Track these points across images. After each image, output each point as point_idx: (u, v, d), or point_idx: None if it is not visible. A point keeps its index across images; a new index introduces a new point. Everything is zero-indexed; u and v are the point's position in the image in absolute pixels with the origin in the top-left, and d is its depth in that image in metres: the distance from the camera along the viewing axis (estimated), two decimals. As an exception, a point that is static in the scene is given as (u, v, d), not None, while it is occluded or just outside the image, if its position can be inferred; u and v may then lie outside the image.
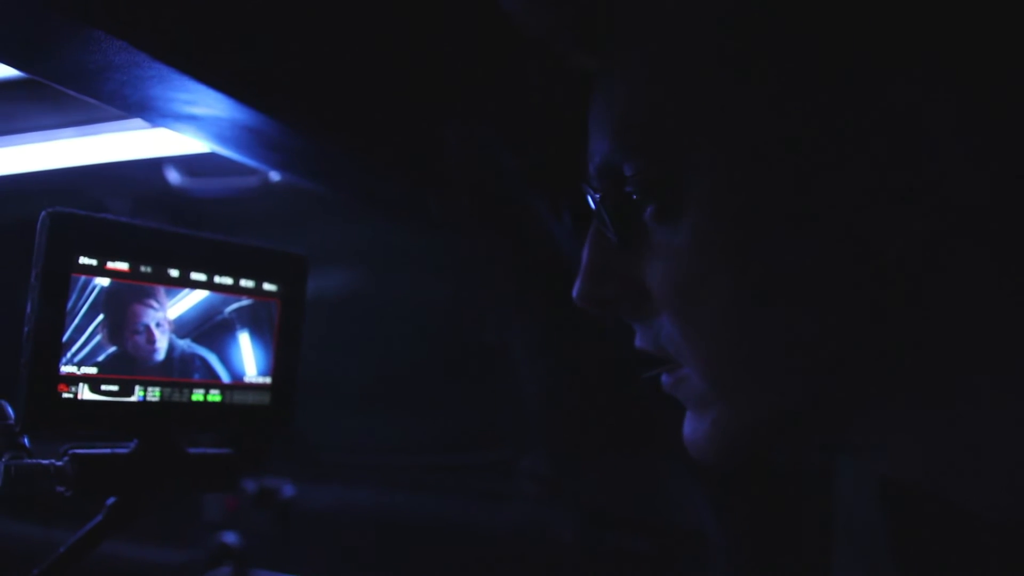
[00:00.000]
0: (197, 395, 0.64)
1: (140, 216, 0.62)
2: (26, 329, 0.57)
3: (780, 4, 0.38)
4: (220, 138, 0.73)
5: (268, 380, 0.68)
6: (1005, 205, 0.36)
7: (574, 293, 0.46)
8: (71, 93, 0.65)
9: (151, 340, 0.61)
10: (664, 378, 0.45)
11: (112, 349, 0.60)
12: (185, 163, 1.48)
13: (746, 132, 0.39)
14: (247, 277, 0.66)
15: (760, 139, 0.39)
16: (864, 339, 0.38)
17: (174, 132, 0.73)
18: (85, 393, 0.59)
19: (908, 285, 0.37)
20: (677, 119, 0.41)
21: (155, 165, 1.47)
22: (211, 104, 0.64)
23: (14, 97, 1.42)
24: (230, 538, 1.43)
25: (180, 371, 0.63)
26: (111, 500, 0.65)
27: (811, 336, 0.39)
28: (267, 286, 0.67)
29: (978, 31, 0.36)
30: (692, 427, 0.44)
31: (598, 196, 0.45)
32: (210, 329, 0.65)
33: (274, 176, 1.44)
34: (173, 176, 1.49)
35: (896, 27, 0.36)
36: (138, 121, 1.38)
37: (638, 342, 0.46)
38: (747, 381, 0.41)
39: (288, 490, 1.41)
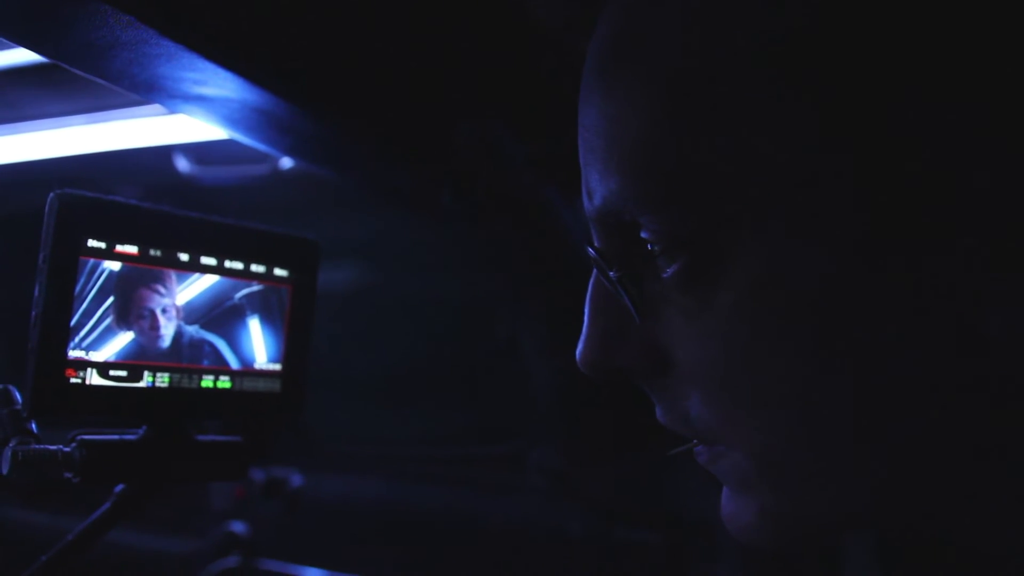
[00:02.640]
0: (206, 382, 0.63)
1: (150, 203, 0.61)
2: (34, 313, 0.56)
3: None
4: (230, 120, 0.72)
5: (278, 367, 0.67)
6: None
7: (578, 359, 0.38)
8: (79, 73, 0.64)
9: (155, 326, 0.60)
10: (698, 451, 0.38)
11: (121, 334, 0.59)
12: (195, 151, 1.47)
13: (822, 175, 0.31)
14: (258, 262, 0.65)
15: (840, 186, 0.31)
16: (965, 431, 0.32)
17: (183, 114, 0.72)
18: (93, 378, 0.58)
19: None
20: (725, 162, 0.32)
21: (165, 153, 1.47)
22: (221, 84, 0.62)
23: (24, 84, 1.41)
24: (238, 527, 1.42)
25: (189, 357, 0.62)
26: (119, 487, 0.64)
27: (894, 422, 0.32)
28: (278, 271, 0.66)
29: None
30: (735, 508, 0.37)
31: (602, 263, 0.37)
32: (220, 315, 0.64)
33: (285, 164, 1.43)
34: (183, 164, 1.48)
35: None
36: (148, 108, 1.38)
37: (660, 418, 0.39)
38: (805, 472, 0.34)
39: (296, 480, 1.41)
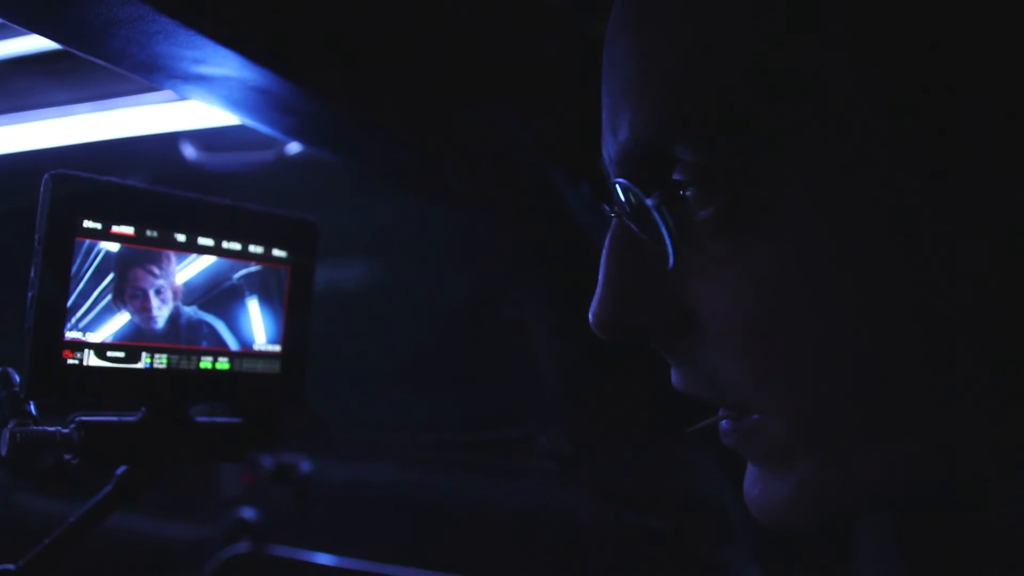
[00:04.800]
0: (205, 363, 0.63)
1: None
2: (30, 294, 0.56)
3: None
4: (231, 101, 0.72)
5: (278, 348, 0.67)
6: None
7: (591, 317, 0.35)
8: (79, 54, 0.63)
9: (147, 307, 0.60)
10: (725, 428, 0.35)
11: (118, 315, 0.59)
12: (201, 138, 1.47)
13: (885, 105, 0.29)
14: (256, 243, 0.65)
15: (907, 114, 0.28)
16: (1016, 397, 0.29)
17: (186, 95, 0.71)
18: (91, 359, 0.58)
19: None
20: (771, 81, 0.29)
21: (171, 140, 1.47)
22: (220, 63, 0.62)
23: (30, 72, 1.41)
24: (248, 513, 1.43)
25: (187, 338, 0.62)
26: (121, 470, 0.64)
27: (947, 381, 0.30)
28: (276, 252, 0.66)
29: None
30: (765, 487, 0.34)
31: (636, 189, 0.34)
32: (218, 295, 0.63)
33: (291, 150, 1.43)
34: (189, 151, 1.48)
35: None
36: (154, 96, 1.38)
37: (678, 383, 0.36)
38: (850, 437, 0.31)
39: (305, 466, 1.41)
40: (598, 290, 0.35)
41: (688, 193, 0.32)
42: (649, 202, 0.33)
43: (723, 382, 0.33)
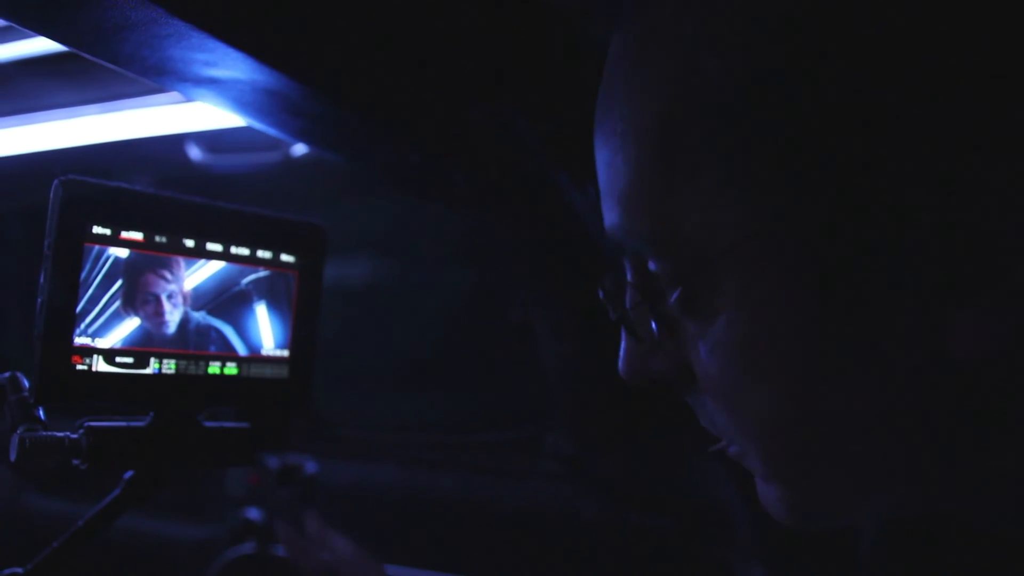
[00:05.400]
0: (213, 368, 0.63)
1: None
2: (39, 300, 0.56)
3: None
4: (241, 103, 0.72)
5: (286, 353, 0.67)
6: None
7: (620, 370, 0.43)
8: (90, 58, 0.63)
9: (159, 312, 0.60)
10: (730, 451, 0.42)
11: (127, 320, 0.59)
12: (207, 139, 1.47)
13: (797, 220, 0.33)
14: (264, 248, 0.65)
15: (810, 228, 0.33)
16: (935, 445, 0.35)
17: (195, 98, 0.72)
18: (100, 365, 0.58)
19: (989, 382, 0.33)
20: (697, 211, 0.35)
21: (177, 141, 1.47)
22: (231, 65, 0.62)
23: (37, 74, 1.42)
24: (253, 514, 1.43)
25: (196, 344, 0.62)
26: (129, 474, 0.64)
27: (870, 440, 0.35)
28: (285, 257, 0.66)
29: None
30: (763, 493, 0.41)
31: (611, 293, 0.42)
32: (226, 301, 0.63)
33: (297, 151, 1.43)
34: (195, 152, 1.48)
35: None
36: (160, 97, 1.38)
37: (700, 420, 0.43)
38: (804, 476, 0.38)
39: (311, 467, 1.41)
40: (621, 347, 0.42)
41: (659, 283, 0.38)
42: (628, 298, 0.41)
43: (717, 424, 0.40)
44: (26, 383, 0.59)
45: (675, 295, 0.37)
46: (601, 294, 0.42)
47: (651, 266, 0.38)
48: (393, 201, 1.52)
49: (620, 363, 0.42)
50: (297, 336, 0.67)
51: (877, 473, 0.36)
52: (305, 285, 0.67)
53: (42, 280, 0.56)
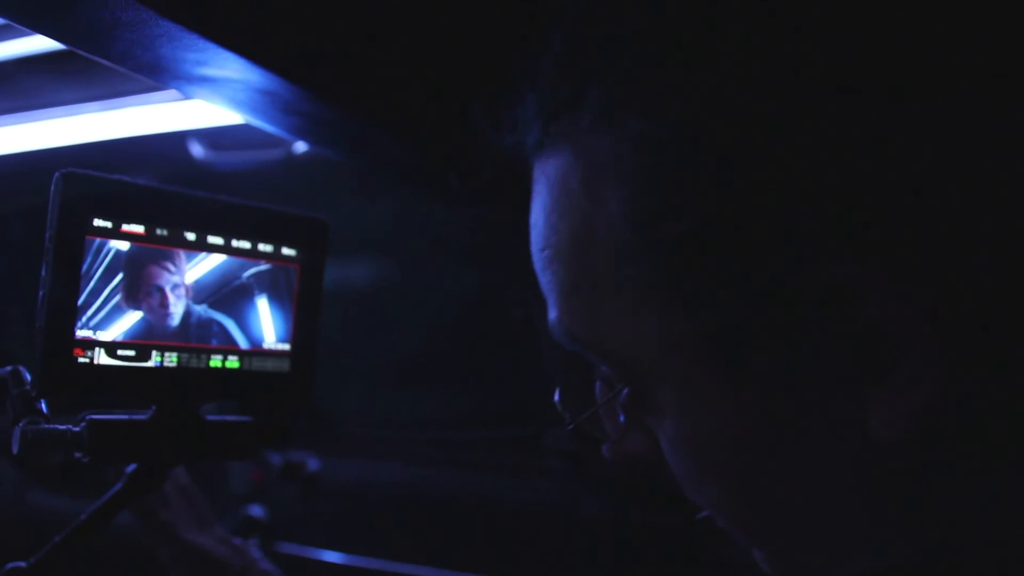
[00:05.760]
0: (215, 361, 0.63)
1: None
2: (41, 293, 0.56)
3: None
4: (236, 102, 0.72)
5: (287, 347, 0.67)
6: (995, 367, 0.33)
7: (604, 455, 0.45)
8: (86, 55, 0.63)
9: (164, 304, 0.60)
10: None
11: (129, 313, 0.59)
12: (209, 136, 1.47)
13: (697, 338, 0.36)
14: (265, 241, 0.65)
15: (714, 342, 0.36)
16: (867, 519, 0.37)
17: (191, 96, 0.72)
18: (101, 358, 0.58)
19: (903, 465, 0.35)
20: (615, 332, 0.38)
21: (179, 139, 1.47)
22: (222, 65, 0.62)
23: (38, 72, 1.42)
24: (256, 511, 1.43)
25: (197, 337, 0.62)
26: (131, 468, 0.64)
27: (810, 519, 0.38)
28: (286, 250, 0.66)
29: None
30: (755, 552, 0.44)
31: (567, 402, 0.44)
32: (228, 294, 0.63)
33: (299, 148, 1.43)
34: (197, 150, 1.48)
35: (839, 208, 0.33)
36: (161, 95, 1.38)
37: None
38: (764, 548, 0.41)
39: (313, 464, 1.41)
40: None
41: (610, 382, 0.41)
42: (598, 391, 0.43)
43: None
44: (28, 376, 0.59)
45: (623, 395, 0.40)
46: (557, 399, 0.45)
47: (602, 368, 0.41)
48: (396, 198, 1.52)
49: (604, 452, 0.45)
50: (299, 330, 0.67)
51: (838, 542, 0.38)
52: (306, 279, 0.67)
53: (43, 273, 0.56)
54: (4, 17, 0.56)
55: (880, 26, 0.32)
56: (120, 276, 0.58)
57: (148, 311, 0.60)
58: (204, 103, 1.30)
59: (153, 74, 0.64)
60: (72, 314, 0.56)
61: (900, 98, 0.32)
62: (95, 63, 1.40)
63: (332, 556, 1.37)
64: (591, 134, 0.37)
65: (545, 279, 0.41)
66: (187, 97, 0.76)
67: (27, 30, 1.34)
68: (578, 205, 0.38)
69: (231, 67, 0.62)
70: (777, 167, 0.32)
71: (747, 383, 0.35)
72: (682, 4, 0.35)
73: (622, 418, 0.41)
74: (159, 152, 1.47)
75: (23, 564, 0.62)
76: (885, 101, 0.32)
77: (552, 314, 0.41)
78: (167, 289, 0.60)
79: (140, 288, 0.59)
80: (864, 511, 0.37)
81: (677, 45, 0.34)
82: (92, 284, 0.57)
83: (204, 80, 0.66)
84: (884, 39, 0.32)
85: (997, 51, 0.32)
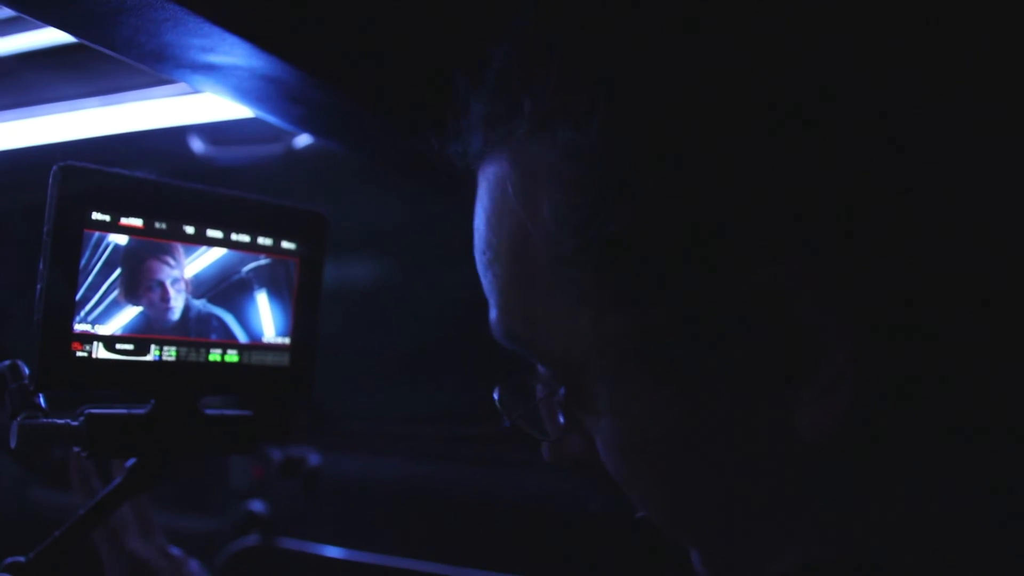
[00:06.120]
0: (214, 355, 0.63)
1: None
2: (39, 287, 0.56)
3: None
4: (239, 90, 0.71)
5: (287, 341, 0.67)
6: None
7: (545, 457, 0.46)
8: (88, 44, 0.63)
9: (165, 298, 0.60)
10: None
11: (127, 307, 0.59)
12: (210, 131, 1.47)
13: (625, 336, 0.37)
14: (265, 235, 0.64)
15: (638, 342, 0.37)
16: (798, 517, 0.37)
17: (193, 85, 0.71)
18: (100, 352, 0.58)
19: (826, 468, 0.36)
20: (550, 328, 0.39)
21: (179, 134, 1.47)
22: (228, 51, 0.61)
23: (39, 67, 1.42)
24: (257, 506, 1.43)
25: (196, 331, 0.62)
26: (131, 462, 0.64)
27: (745, 518, 0.39)
28: (285, 244, 0.66)
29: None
30: (692, 555, 0.44)
31: (505, 401, 0.45)
32: (227, 288, 0.63)
33: (299, 143, 1.42)
34: (197, 145, 1.48)
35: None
36: (162, 90, 1.37)
37: None
38: (701, 549, 0.42)
39: (314, 459, 1.41)
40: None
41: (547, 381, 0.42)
42: (538, 390, 0.43)
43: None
44: (26, 371, 0.59)
45: (560, 394, 0.40)
46: (496, 398, 0.45)
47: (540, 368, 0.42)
48: (397, 194, 1.52)
49: (544, 452, 0.45)
50: (298, 324, 0.67)
51: (768, 541, 0.38)
52: (306, 273, 0.67)
53: (41, 267, 0.56)
54: (6, 4, 0.56)
55: (786, 32, 0.33)
56: (119, 270, 0.58)
57: (148, 305, 0.59)
58: (205, 98, 1.30)
59: (157, 63, 0.64)
60: (70, 308, 0.56)
61: (815, 100, 0.32)
62: (95, 58, 1.39)
63: (333, 551, 1.37)
64: (526, 142, 0.38)
65: (487, 280, 0.42)
66: (190, 87, 0.75)
67: (26, 25, 1.33)
68: (514, 209, 0.39)
69: (236, 53, 0.62)
70: (696, 173, 0.33)
71: (673, 382, 0.36)
72: (604, 23, 0.36)
73: (561, 419, 0.42)
74: (159, 147, 1.47)
75: (22, 559, 0.62)
76: (798, 104, 0.33)
77: (492, 313, 0.42)
78: (168, 283, 0.60)
79: (139, 282, 0.59)
80: (791, 510, 0.37)
81: (601, 59, 0.36)
82: (91, 278, 0.57)
83: (209, 68, 0.65)
84: (790, 43, 0.33)
85: (905, 50, 0.33)
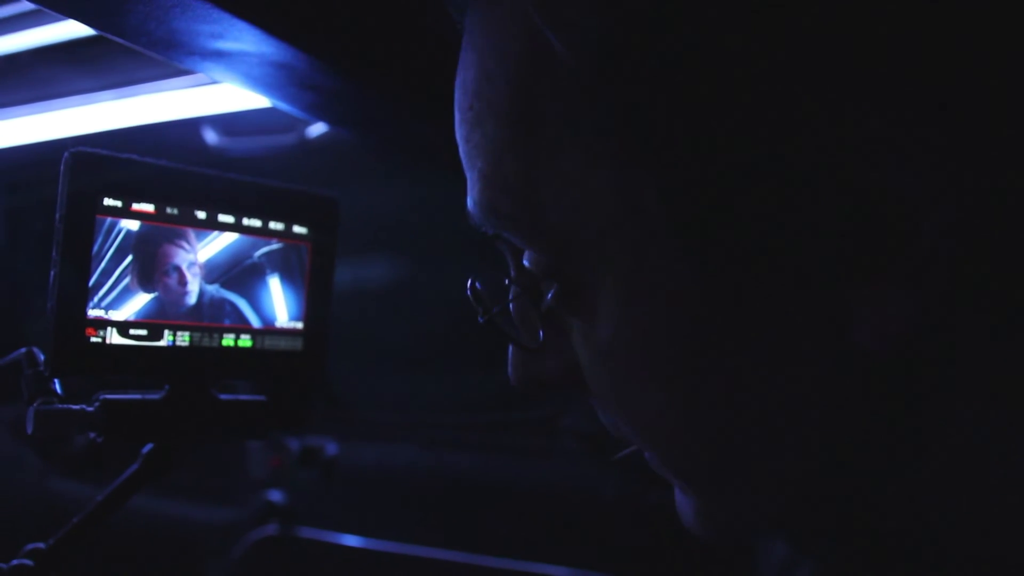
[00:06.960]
0: (227, 340, 0.63)
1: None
2: (52, 273, 0.56)
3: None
4: (249, 77, 0.71)
5: (300, 325, 0.66)
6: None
7: (509, 376, 0.39)
8: (98, 32, 0.63)
9: (183, 282, 0.60)
10: (646, 455, 0.37)
11: (141, 293, 0.59)
12: (223, 123, 1.47)
13: (666, 206, 0.29)
14: (276, 219, 0.64)
15: (686, 209, 0.29)
16: (849, 440, 0.31)
17: (204, 73, 0.71)
18: (114, 337, 0.58)
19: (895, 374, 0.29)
20: (560, 196, 0.31)
21: (193, 125, 1.47)
22: (238, 37, 0.61)
23: (53, 61, 1.42)
24: (275, 496, 1.44)
25: (210, 316, 0.62)
26: (147, 448, 0.64)
27: (772, 441, 0.32)
28: (297, 229, 0.66)
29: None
30: (680, 506, 0.37)
31: (481, 295, 0.38)
32: (239, 273, 0.63)
33: (312, 133, 1.43)
34: (211, 136, 1.48)
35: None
36: (175, 82, 1.38)
37: (602, 418, 0.38)
38: (708, 483, 0.34)
39: (332, 449, 1.42)
40: (509, 353, 0.39)
41: (537, 278, 0.35)
42: (510, 295, 0.37)
43: (614, 426, 0.36)
44: (41, 357, 0.59)
45: (551, 291, 0.33)
46: (469, 293, 0.39)
47: (525, 260, 0.35)
48: (413, 183, 1.52)
49: (509, 367, 0.39)
50: (311, 308, 0.67)
51: (789, 479, 0.32)
52: (318, 257, 0.67)
53: (55, 253, 0.56)
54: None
55: None
56: (131, 256, 0.58)
57: (164, 290, 0.60)
58: (217, 89, 1.30)
59: (167, 50, 0.64)
60: (84, 294, 0.56)
61: None
62: (107, 51, 1.40)
63: (351, 540, 1.37)
64: None
65: (471, 145, 0.34)
66: (200, 74, 0.75)
67: (40, 20, 1.34)
68: (528, 33, 0.31)
69: (246, 39, 0.62)
70: (768, 11, 0.27)
71: (711, 264, 0.29)
72: None
73: (540, 334, 0.36)
74: (174, 139, 1.48)
75: (42, 545, 0.62)
76: None
77: (474, 191, 0.35)
78: (184, 268, 0.60)
79: (154, 267, 0.59)
80: (817, 443, 0.31)
81: None
82: (103, 264, 0.57)
83: (219, 55, 0.65)
84: None
85: None
